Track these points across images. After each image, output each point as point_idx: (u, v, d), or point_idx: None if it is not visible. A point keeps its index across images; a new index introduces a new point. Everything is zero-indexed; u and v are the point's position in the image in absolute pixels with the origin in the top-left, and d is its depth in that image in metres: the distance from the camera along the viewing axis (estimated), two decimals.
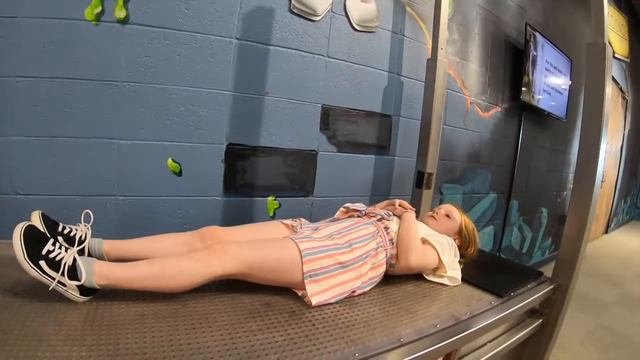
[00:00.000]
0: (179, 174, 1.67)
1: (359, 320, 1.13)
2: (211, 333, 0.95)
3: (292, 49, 1.87)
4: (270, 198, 1.91)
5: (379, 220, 1.51)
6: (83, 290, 1.00)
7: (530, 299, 1.50)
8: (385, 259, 1.41)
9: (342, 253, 1.25)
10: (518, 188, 3.55)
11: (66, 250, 1.00)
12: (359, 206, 1.59)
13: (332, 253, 1.23)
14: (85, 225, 1.17)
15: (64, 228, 1.14)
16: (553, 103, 3.64)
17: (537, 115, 3.55)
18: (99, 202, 1.55)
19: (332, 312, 1.16)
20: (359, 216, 1.55)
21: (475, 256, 1.76)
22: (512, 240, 3.71)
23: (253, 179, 1.84)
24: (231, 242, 1.15)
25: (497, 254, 3.43)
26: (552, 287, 1.63)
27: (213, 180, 1.75)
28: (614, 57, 5.25)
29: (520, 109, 3.33)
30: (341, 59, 2.04)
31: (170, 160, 1.65)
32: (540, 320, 1.64)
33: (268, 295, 1.19)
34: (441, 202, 2.73)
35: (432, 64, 2.16)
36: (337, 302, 1.22)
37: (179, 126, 1.65)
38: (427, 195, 2.19)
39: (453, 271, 1.52)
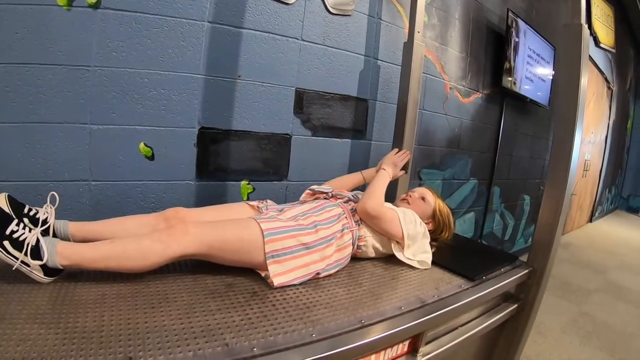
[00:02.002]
0: (151, 158, 1.67)
1: (321, 302, 1.13)
2: (169, 312, 0.96)
3: (265, 32, 1.85)
4: (243, 182, 1.91)
5: (346, 202, 1.51)
6: (47, 270, 1.01)
7: (502, 283, 1.48)
8: (351, 240, 1.41)
9: (306, 234, 1.26)
10: (500, 175, 3.57)
11: (30, 231, 1.01)
12: (325, 188, 1.60)
13: (295, 234, 1.24)
14: (49, 207, 1.17)
15: (30, 210, 1.15)
16: (536, 91, 3.65)
17: (520, 102, 3.56)
18: (72, 187, 1.55)
19: (295, 293, 1.17)
20: (325, 198, 1.56)
21: (450, 240, 1.76)
22: (494, 227, 3.74)
23: (226, 163, 1.84)
24: (192, 222, 1.16)
25: (479, 240, 3.46)
26: (527, 271, 1.62)
27: (185, 165, 1.74)
28: (600, 47, 5.28)
29: (502, 96, 3.34)
30: (316, 43, 2.03)
31: (142, 145, 1.64)
32: (516, 305, 1.63)
33: (231, 276, 1.20)
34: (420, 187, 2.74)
35: (408, 47, 2.15)
36: (300, 284, 1.23)
37: (151, 110, 1.64)
38: (403, 179, 2.19)
39: (423, 254, 1.53)
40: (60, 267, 1.02)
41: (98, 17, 1.50)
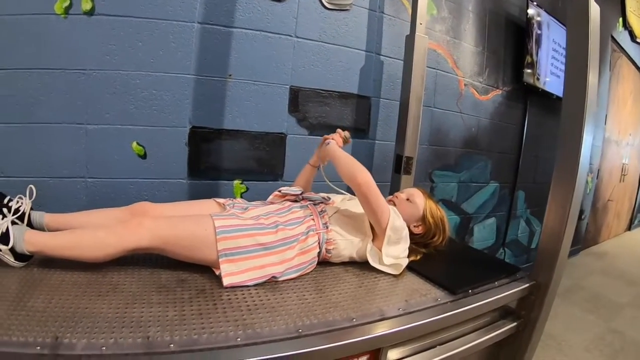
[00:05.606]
0: (144, 156, 1.72)
1: (267, 305, 1.07)
2: (111, 302, 0.98)
3: (257, 30, 1.86)
4: (236, 181, 1.92)
5: (316, 204, 1.46)
6: (17, 255, 1.09)
7: (493, 299, 1.31)
8: (316, 243, 1.34)
9: (265, 234, 1.22)
10: (525, 178, 3.34)
11: (4, 219, 1.10)
12: (295, 190, 1.54)
13: (252, 233, 1.20)
14: (25, 198, 1.24)
15: (9, 200, 1.22)
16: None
17: (545, 100, 3.29)
18: (70, 183, 1.65)
19: (244, 294, 1.12)
20: (295, 200, 1.51)
21: (444, 247, 1.62)
22: (519, 234, 3.51)
23: (218, 162, 1.86)
24: (150, 216, 1.18)
25: (502, 248, 3.30)
26: (527, 285, 1.43)
27: (177, 163, 1.78)
28: (636, 42, 4.90)
29: (525, 93, 3.12)
30: (311, 39, 2.00)
31: (134, 144, 1.70)
32: (516, 323, 1.45)
33: (187, 272, 1.20)
34: (432, 190, 2.65)
35: (410, 40, 2.06)
36: (254, 285, 1.18)
37: (143, 110, 1.70)
38: (407, 180, 2.10)
39: (397, 259, 1.40)
40: (28, 253, 1.09)
41: (92, 23, 1.60)
